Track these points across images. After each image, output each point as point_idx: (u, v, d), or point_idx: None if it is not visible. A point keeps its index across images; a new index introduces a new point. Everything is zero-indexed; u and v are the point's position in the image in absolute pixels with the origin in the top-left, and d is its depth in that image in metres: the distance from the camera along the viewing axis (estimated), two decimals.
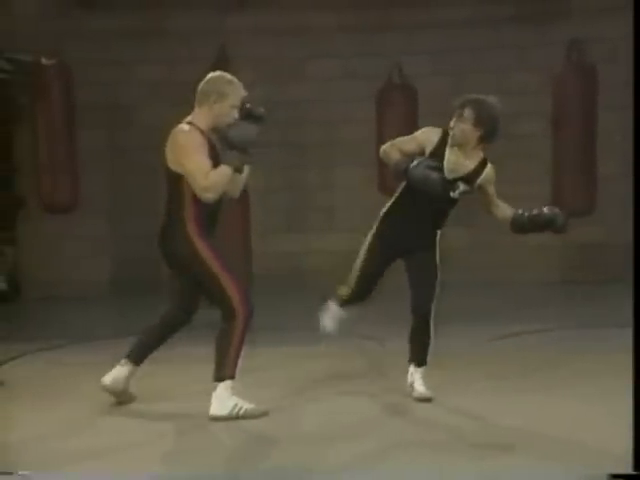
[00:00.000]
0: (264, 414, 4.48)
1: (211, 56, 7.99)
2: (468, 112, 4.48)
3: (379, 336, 6.44)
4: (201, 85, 4.50)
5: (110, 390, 4.66)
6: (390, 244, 4.69)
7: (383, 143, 4.82)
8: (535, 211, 4.59)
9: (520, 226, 4.61)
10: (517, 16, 9.41)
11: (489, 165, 4.67)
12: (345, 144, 9.70)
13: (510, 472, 3.61)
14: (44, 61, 8.47)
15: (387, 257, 4.73)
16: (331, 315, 4.88)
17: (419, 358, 4.74)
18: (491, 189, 4.69)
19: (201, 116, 4.45)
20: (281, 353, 6.10)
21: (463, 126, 4.50)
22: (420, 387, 4.71)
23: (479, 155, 4.63)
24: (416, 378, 4.73)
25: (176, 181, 4.42)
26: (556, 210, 4.61)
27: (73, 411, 4.71)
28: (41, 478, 3.65)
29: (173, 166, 4.41)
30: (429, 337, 4.72)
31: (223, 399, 4.41)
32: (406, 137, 4.69)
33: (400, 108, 8.68)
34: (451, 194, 4.56)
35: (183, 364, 5.58)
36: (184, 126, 4.43)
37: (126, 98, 9.47)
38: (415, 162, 4.50)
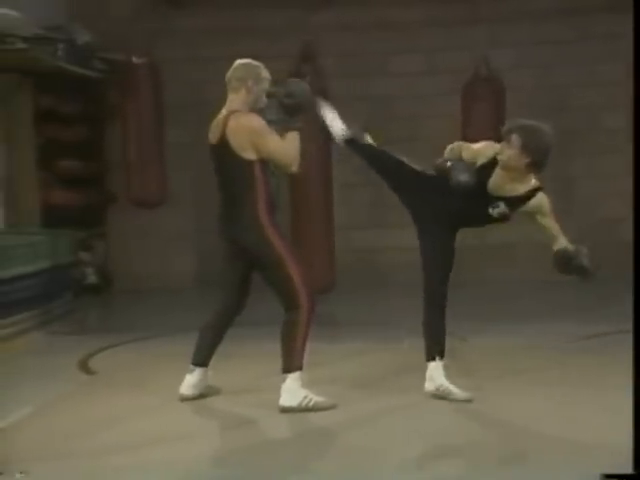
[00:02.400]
0: (333, 407, 4.50)
1: (297, 53, 8.07)
2: (515, 139, 4.41)
3: (461, 332, 6.40)
4: (233, 72, 4.63)
5: (189, 399, 4.75)
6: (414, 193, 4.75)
7: (467, 138, 4.78)
8: (569, 253, 4.54)
9: (554, 264, 4.61)
10: (607, 6, 9.20)
11: (540, 195, 4.55)
12: (429, 140, 9.64)
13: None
14: (135, 60, 8.69)
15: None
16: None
17: (431, 352, 4.63)
18: (544, 220, 4.58)
19: (239, 101, 4.57)
20: (360, 349, 6.11)
21: (509, 152, 4.44)
22: (451, 386, 4.59)
23: (531, 182, 4.55)
24: (435, 376, 4.61)
25: (245, 167, 4.47)
26: (584, 259, 4.54)
27: (154, 399, 4.84)
28: (40, 478, 3.71)
29: (244, 153, 4.46)
30: (437, 330, 4.62)
31: (293, 390, 4.46)
32: (469, 144, 4.70)
33: (487, 102, 8.56)
34: (490, 211, 4.53)
35: (254, 358, 5.70)
36: (239, 114, 4.51)
37: (212, 95, 9.61)
38: (449, 163, 4.52)
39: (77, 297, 8.15)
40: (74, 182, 9.02)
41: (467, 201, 4.53)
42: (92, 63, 8.87)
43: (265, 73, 4.63)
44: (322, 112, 4.93)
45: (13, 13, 7.42)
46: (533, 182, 4.56)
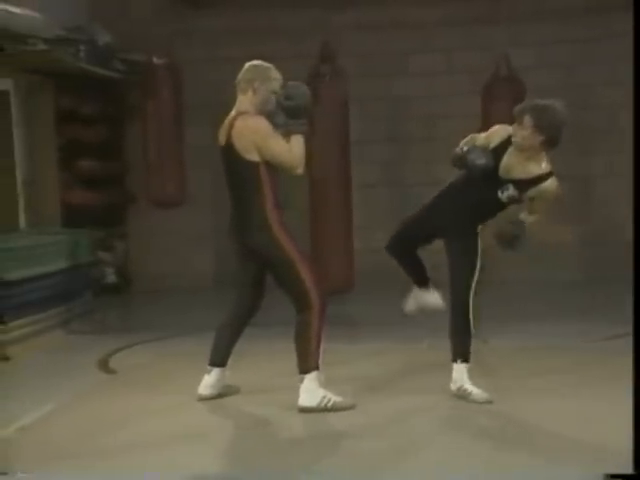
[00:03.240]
0: (352, 407, 4.50)
1: (316, 53, 8.08)
2: (527, 119, 4.46)
3: (481, 334, 6.37)
4: (242, 74, 4.63)
5: (207, 399, 4.76)
6: (432, 215, 4.82)
7: None
8: (514, 228, 4.68)
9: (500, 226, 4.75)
10: (628, 4, 9.10)
11: (552, 180, 4.55)
12: (448, 140, 9.59)
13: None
14: (155, 61, 8.71)
15: (428, 226, 4.84)
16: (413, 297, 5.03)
17: (455, 354, 4.66)
18: (541, 206, 4.63)
19: (247, 103, 4.58)
20: (379, 349, 6.10)
21: (523, 132, 4.48)
22: (471, 388, 4.61)
23: (545, 165, 4.55)
24: (458, 378, 4.64)
25: (252, 169, 4.48)
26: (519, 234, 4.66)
27: (173, 399, 4.85)
28: (41, 478, 3.72)
29: (248, 155, 4.46)
30: (461, 332, 4.64)
31: (311, 390, 4.46)
32: (480, 134, 4.75)
33: (507, 102, 8.47)
34: (499, 194, 4.55)
35: (267, 357, 5.71)
36: (246, 116, 4.52)
37: (232, 96, 9.63)
38: (465, 148, 4.58)
39: (97, 296, 8.18)
40: (94, 182, 9.07)
41: (483, 188, 4.56)
42: (113, 64, 8.91)
43: (275, 74, 4.61)
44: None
45: (34, 14, 7.46)
46: (544, 165, 4.55)
